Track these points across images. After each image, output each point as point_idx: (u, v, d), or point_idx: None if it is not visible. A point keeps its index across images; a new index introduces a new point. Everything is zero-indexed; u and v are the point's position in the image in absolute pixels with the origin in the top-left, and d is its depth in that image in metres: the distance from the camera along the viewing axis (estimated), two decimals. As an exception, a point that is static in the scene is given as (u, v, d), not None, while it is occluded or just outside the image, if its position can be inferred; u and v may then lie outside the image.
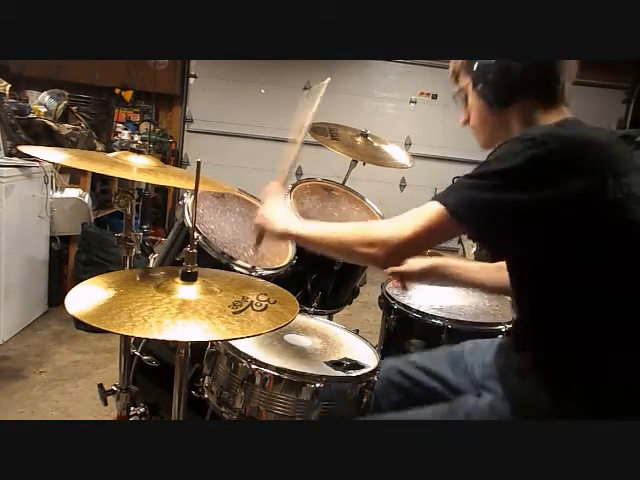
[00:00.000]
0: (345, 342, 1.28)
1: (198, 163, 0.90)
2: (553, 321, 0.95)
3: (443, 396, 1.18)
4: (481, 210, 0.89)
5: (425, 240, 0.94)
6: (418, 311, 1.54)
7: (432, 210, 0.91)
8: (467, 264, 1.41)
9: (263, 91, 5.22)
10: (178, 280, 0.91)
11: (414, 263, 1.37)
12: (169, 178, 1.13)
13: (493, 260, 1.28)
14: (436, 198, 0.93)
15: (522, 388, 1.00)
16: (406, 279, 1.41)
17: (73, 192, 3.20)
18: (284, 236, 1.14)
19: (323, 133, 2.02)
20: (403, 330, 1.58)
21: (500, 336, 1.47)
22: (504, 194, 0.86)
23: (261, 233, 1.21)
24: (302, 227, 1.10)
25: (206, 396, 1.16)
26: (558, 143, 0.87)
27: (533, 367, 0.98)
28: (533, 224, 0.87)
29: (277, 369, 1.05)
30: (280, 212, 1.16)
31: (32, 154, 1.10)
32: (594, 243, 0.87)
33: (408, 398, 1.21)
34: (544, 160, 0.85)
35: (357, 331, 1.37)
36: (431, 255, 1.93)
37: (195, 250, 0.92)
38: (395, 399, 1.21)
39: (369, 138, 2.05)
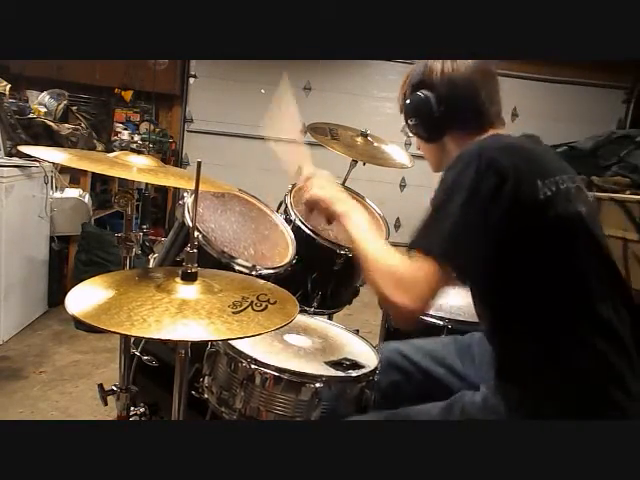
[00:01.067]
0: (345, 342, 1.28)
1: (198, 163, 0.90)
2: (512, 317, 1.00)
3: (449, 384, 1.19)
4: (459, 237, 0.91)
5: (433, 295, 0.94)
6: (418, 311, 1.53)
7: (427, 269, 0.92)
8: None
9: (263, 91, 5.17)
10: (178, 280, 0.91)
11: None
12: (169, 178, 1.13)
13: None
14: (419, 248, 0.95)
15: (507, 386, 1.02)
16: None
17: (73, 192, 3.20)
18: (339, 218, 1.13)
19: (323, 133, 2.02)
20: (403, 330, 1.58)
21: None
22: (468, 212, 0.91)
23: (313, 207, 1.21)
24: (356, 223, 1.09)
25: (206, 396, 1.16)
26: (493, 153, 0.93)
27: (507, 364, 1.02)
28: (494, 231, 0.91)
29: (277, 369, 1.05)
30: (341, 194, 1.17)
31: (32, 154, 1.09)
32: (531, 238, 0.93)
33: (408, 380, 1.22)
34: (487, 170, 0.90)
35: (357, 331, 1.37)
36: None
37: (195, 250, 0.92)
38: (395, 379, 1.23)
39: (369, 138, 2.05)
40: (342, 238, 1.73)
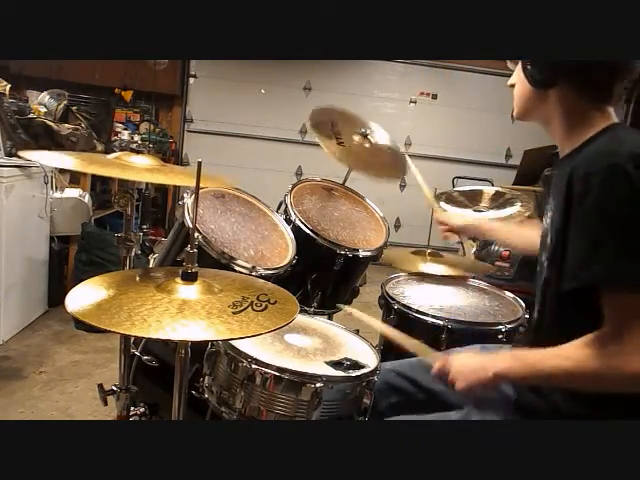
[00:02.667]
0: (345, 342, 1.28)
1: (199, 163, 0.90)
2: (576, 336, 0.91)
3: (449, 398, 1.17)
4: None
5: None
6: (418, 311, 1.54)
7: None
8: (501, 227, 1.56)
9: (263, 91, 5.22)
10: (178, 280, 0.91)
11: (456, 219, 1.59)
12: (171, 177, 1.13)
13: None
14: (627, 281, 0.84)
15: (532, 400, 1.00)
16: (450, 231, 1.62)
17: (73, 192, 3.20)
18: (503, 380, 0.98)
19: (325, 129, 1.97)
20: (403, 330, 1.57)
21: (500, 336, 1.47)
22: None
23: (474, 390, 1.00)
24: (518, 366, 0.95)
25: (206, 396, 1.16)
26: None
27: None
28: None
29: (277, 369, 1.05)
30: (478, 361, 1.01)
31: (34, 159, 1.09)
32: None
33: (408, 399, 1.20)
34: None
35: (357, 331, 1.37)
36: (431, 255, 1.94)
37: (195, 250, 0.92)
38: (394, 401, 1.21)
39: (369, 138, 2.04)
40: (342, 239, 1.73)
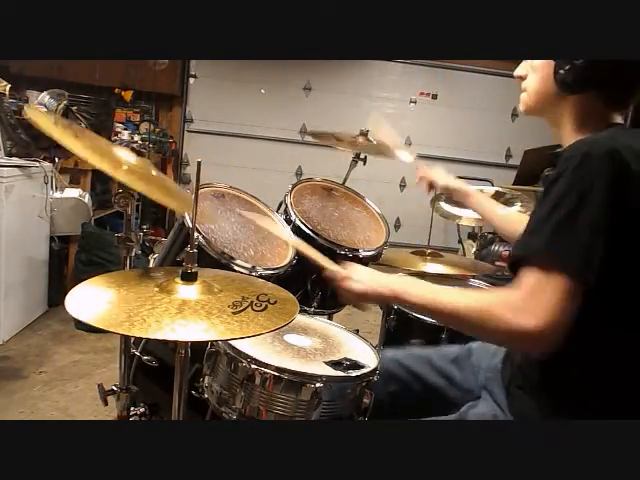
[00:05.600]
0: (345, 342, 1.28)
1: (198, 163, 0.90)
2: (577, 340, 0.89)
3: (449, 395, 1.18)
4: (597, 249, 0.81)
5: (564, 312, 0.82)
6: (418, 311, 1.54)
7: (554, 284, 0.81)
8: (490, 207, 1.51)
9: (263, 91, 5.22)
10: (178, 280, 0.91)
11: (439, 175, 1.58)
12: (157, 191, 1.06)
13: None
14: (550, 254, 0.83)
15: (525, 402, 1.00)
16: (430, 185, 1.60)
17: (73, 192, 3.20)
18: (396, 301, 1.05)
19: (326, 137, 2.01)
20: (403, 330, 1.58)
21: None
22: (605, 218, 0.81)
23: (361, 300, 1.08)
24: (415, 292, 0.98)
25: (206, 396, 1.16)
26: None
27: (542, 384, 0.97)
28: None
29: (277, 369, 1.05)
30: (376, 275, 1.06)
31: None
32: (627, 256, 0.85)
33: (406, 390, 1.21)
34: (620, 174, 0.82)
35: (357, 331, 1.37)
36: (431, 255, 1.94)
37: (195, 250, 0.92)
38: (392, 389, 1.22)
39: (369, 137, 2.05)
40: (342, 239, 1.73)
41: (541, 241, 0.84)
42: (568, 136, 1.01)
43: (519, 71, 1.07)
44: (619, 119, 0.99)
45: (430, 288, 0.99)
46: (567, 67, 0.94)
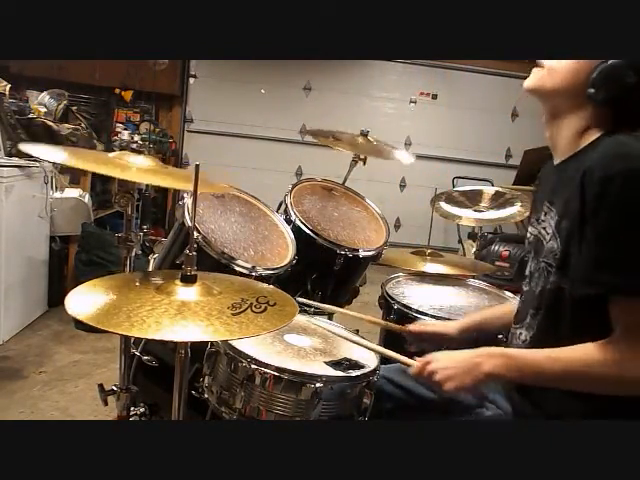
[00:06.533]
0: (345, 342, 1.28)
1: (197, 166, 0.90)
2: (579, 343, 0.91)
3: (441, 406, 1.16)
4: None
5: None
6: (418, 311, 1.54)
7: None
8: (492, 313, 1.39)
9: (263, 91, 5.22)
10: (177, 282, 0.91)
11: (451, 327, 1.33)
12: (169, 180, 1.13)
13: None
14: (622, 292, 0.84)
15: (527, 407, 1.01)
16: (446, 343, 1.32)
17: (73, 192, 3.20)
18: (494, 378, 0.96)
19: (324, 135, 2.02)
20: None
21: (500, 336, 1.47)
22: None
23: (465, 390, 0.98)
24: (514, 364, 0.93)
25: (206, 396, 1.16)
26: None
27: (542, 388, 0.96)
28: None
29: (277, 369, 1.05)
30: (461, 358, 0.99)
31: (35, 154, 1.09)
32: None
33: (403, 407, 1.19)
34: None
35: (357, 331, 1.37)
36: (431, 255, 1.94)
37: (194, 252, 0.92)
38: (387, 407, 1.20)
39: (369, 137, 2.05)
40: (342, 239, 1.73)
41: (614, 276, 0.84)
42: (566, 134, 0.99)
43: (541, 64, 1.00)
44: None
45: (522, 361, 0.93)
46: (614, 80, 0.90)
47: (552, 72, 0.98)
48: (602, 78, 0.91)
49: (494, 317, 1.34)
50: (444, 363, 0.98)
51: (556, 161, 1.04)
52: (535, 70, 1.01)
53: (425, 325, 1.38)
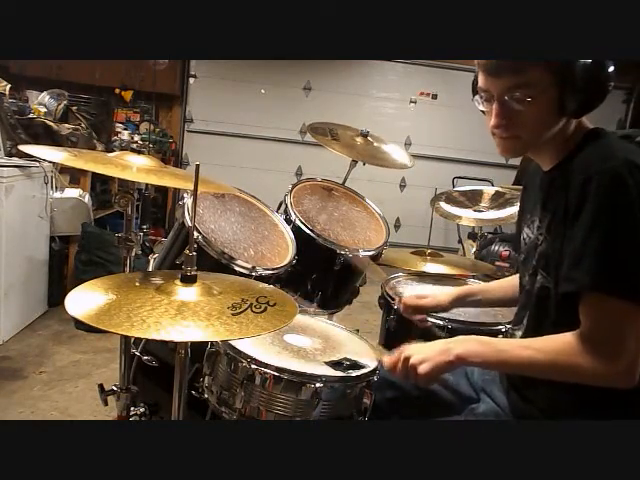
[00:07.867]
0: (345, 342, 1.28)
1: (197, 166, 0.90)
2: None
3: (444, 399, 1.18)
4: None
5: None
6: (418, 311, 1.53)
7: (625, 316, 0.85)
8: (485, 287, 1.42)
9: (263, 91, 5.22)
10: (178, 282, 0.91)
11: (440, 296, 1.38)
12: (168, 179, 1.13)
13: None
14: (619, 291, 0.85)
15: (526, 402, 1.02)
16: (435, 311, 1.42)
17: (73, 192, 3.20)
18: (465, 362, 0.97)
19: (323, 133, 2.02)
20: (403, 330, 1.58)
21: (500, 336, 1.47)
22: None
23: (435, 376, 0.98)
24: (482, 350, 0.95)
25: (206, 396, 1.16)
26: None
27: (541, 382, 0.97)
28: None
29: (277, 369, 1.05)
30: (431, 346, 1.00)
31: (35, 154, 1.09)
32: None
33: (405, 396, 1.21)
34: None
35: (357, 331, 1.37)
36: (431, 255, 1.94)
37: (194, 253, 0.92)
38: (390, 396, 1.21)
39: (369, 138, 2.05)
40: (342, 239, 1.73)
41: (587, 273, 0.86)
42: (548, 152, 1.01)
43: (493, 122, 1.00)
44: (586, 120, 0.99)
45: (493, 347, 0.95)
46: (576, 93, 0.91)
47: (528, 126, 0.96)
48: (572, 94, 0.91)
49: (496, 285, 1.38)
50: (418, 349, 1.01)
51: (545, 168, 1.05)
52: (505, 143, 1.01)
53: (418, 297, 1.42)
